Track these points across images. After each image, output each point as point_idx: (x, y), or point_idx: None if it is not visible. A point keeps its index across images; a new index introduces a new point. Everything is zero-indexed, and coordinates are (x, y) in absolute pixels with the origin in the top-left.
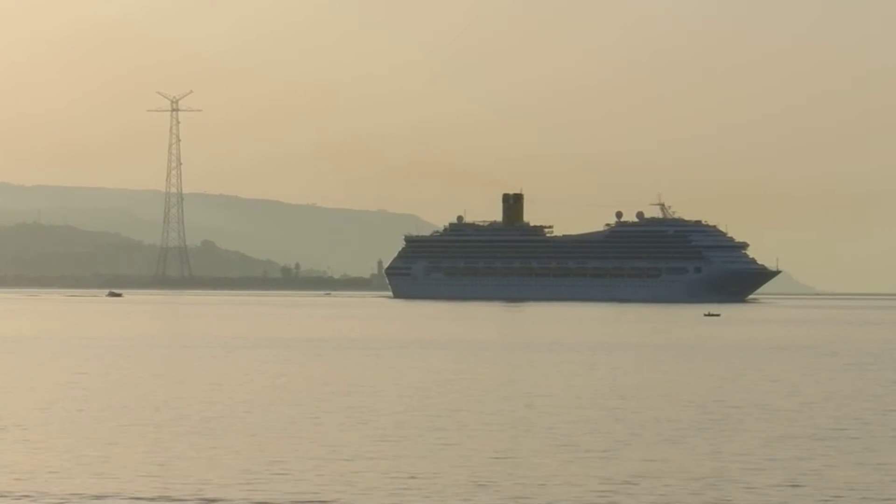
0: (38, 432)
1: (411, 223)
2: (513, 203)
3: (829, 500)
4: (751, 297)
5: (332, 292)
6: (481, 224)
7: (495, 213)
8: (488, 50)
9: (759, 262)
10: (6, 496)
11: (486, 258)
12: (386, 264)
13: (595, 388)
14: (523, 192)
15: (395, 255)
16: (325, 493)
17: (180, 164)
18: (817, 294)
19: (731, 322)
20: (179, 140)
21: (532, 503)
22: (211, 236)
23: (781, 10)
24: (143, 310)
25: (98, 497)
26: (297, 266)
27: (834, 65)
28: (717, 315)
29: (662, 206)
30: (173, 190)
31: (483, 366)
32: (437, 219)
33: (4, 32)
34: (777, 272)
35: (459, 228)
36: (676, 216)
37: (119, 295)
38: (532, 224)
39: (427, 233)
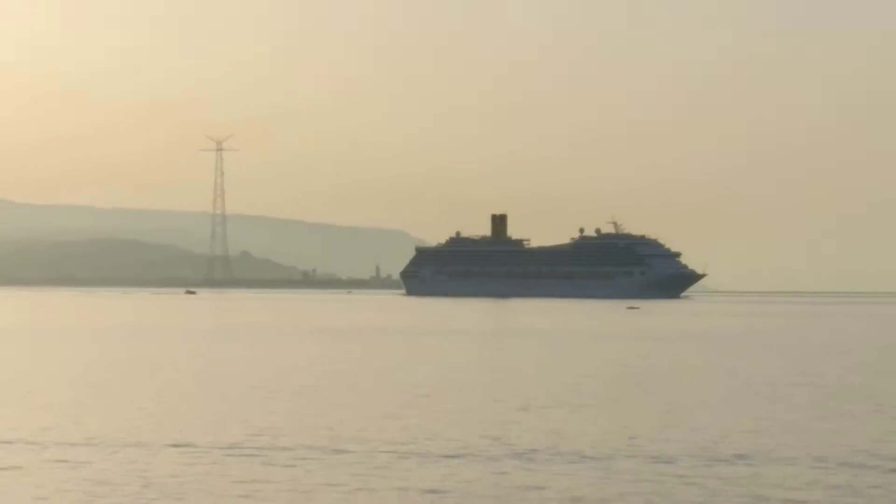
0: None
1: (401, 237)
2: (499, 222)
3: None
4: (684, 294)
5: (353, 291)
6: (475, 238)
7: (484, 229)
8: (479, 111)
9: (690, 266)
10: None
11: (479, 264)
12: (382, 270)
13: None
14: (507, 213)
15: (390, 261)
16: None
17: (224, 191)
18: (713, 291)
19: (645, 314)
20: (223, 173)
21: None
22: (247, 247)
23: (691, 37)
24: (237, 305)
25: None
26: (314, 270)
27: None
28: (637, 308)
29: (615, 224)
30: (218, 212)
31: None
32: (423, 234)
33: (101, 93)
34: (703, 275)
35: (458, 241)
36: (626, 232)
37: (194, 293)
38: (514, 238)
39: (413, 245)
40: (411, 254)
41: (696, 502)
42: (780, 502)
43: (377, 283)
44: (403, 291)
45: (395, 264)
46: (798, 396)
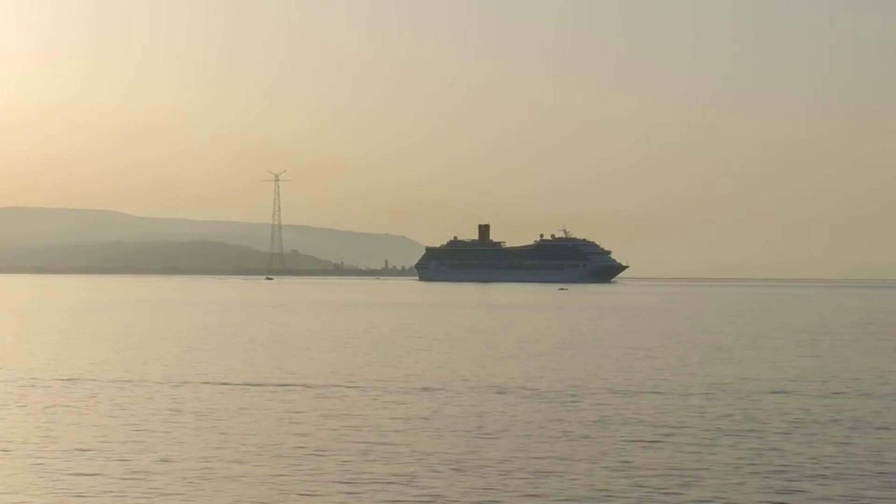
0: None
1: (403, 241)
2: (484, 229)
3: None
4: (613, 280)
5: (380, 277)
6: (467, 240)
7: (474, 234)
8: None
9: (617, 260)
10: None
11: (470, 259)
12: (391, 264)
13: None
14: (489, 223)
15: (396, 257)
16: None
17: (280, 208)
18: (634, 278)
19: (573, 293)
20: (279, 196)
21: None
22: (296, 247)
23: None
24: (315, 287)
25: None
26: (342, 263)
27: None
28: (566, 289)
29: (565, 231)
30: (276, 223)
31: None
32: (420, 239)
33: (214, 147)
34: (627, 266)
35: (455, 243)
36: (572, 236)
37: (272, 279)
38: (494, 240)
39: (417, 249)
40: (412, 252)
41: (589, 420)
42: (656, 423)
43: (386, 272)
44: (416, 278)
45: (399, 260)
46: (669, 350)
